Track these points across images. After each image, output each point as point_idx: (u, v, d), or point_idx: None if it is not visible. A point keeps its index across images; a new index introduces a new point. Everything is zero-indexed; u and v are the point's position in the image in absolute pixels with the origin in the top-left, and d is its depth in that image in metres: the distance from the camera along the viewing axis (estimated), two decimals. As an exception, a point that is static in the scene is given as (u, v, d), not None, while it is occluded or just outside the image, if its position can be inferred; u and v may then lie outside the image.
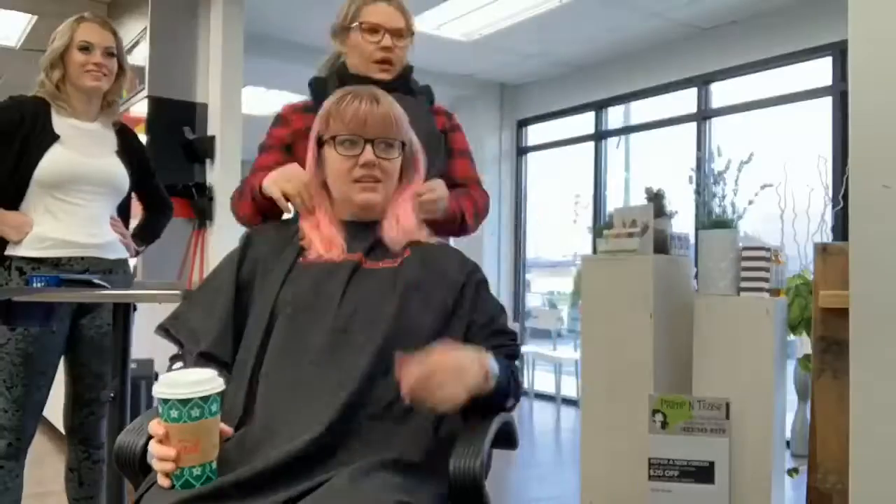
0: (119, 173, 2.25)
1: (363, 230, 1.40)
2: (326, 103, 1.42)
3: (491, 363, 1.22)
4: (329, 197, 1.43)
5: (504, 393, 1.27)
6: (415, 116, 1.51)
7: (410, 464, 1.16)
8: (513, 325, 5.54)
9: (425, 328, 1.28)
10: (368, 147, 1.36)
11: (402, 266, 1.35)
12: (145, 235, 2.50)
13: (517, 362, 1.42)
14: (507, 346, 1.36)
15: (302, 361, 1.23)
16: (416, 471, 1.16)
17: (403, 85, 1.76)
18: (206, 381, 1.08)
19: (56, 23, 2.20)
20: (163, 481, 1.08)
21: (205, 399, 1.07)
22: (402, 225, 1.41)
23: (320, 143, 1.41)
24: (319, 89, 1.73)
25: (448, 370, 1.14)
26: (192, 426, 1.07)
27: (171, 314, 1.39)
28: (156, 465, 1.09)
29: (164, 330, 1.37)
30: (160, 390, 1.06)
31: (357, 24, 1.71)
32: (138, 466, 1.20)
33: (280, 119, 1.74)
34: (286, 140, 1.70)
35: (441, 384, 1.13)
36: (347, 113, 1.36)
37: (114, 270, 2.25)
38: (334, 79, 1.73)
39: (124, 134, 2.31)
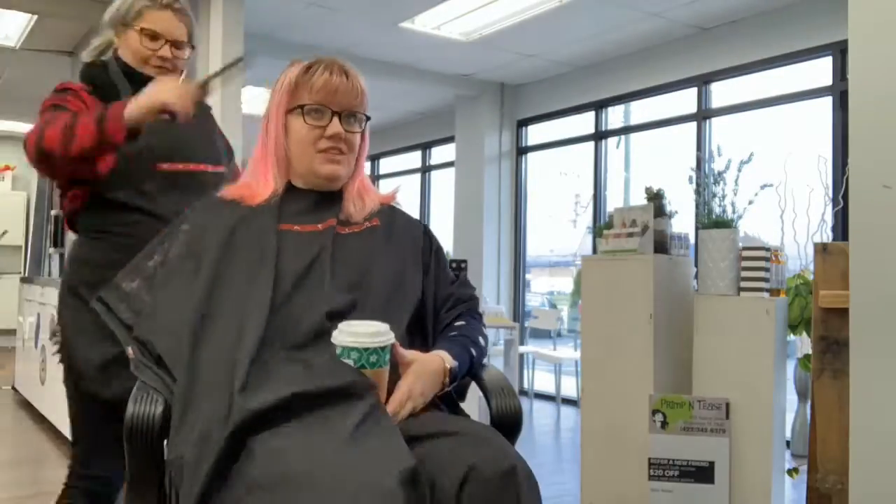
0: None
1: (326, 199, 1.41)
2: (291, 73, 1.39)
3: (453, 365, 1.30)
4: (281, 166, 1.41)
5: (464, 374, 1.36)
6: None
7: None
8: (512, 324, 5.57)
9: (408, 282, 1.38)
10: (336, 119, 1.36)
11: (370, 231, 1.40)
12: None
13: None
14: (472, 300, 1.47)
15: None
16: None
17: None
18: (388, 331, 1.18)
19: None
20: None
21: (392, 346, 1.19)
22: (365, 204, 1.44)
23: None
24: (97, 74, 1.72)
25: (419, 398, 1.23)
26: (383, 371, 1.17)
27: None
28: None
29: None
30: (356, 340, 1.14)
31: (138, 28, 1.70)
32: (155, 438, 1.15)
33: (71, 91, 1.70)
34: (81, 108, 1.65)
35: (416, 407, 1.24)
36: (317, 83, 1.36)
37: None
38: (117, 70, 1.71)
39: None
